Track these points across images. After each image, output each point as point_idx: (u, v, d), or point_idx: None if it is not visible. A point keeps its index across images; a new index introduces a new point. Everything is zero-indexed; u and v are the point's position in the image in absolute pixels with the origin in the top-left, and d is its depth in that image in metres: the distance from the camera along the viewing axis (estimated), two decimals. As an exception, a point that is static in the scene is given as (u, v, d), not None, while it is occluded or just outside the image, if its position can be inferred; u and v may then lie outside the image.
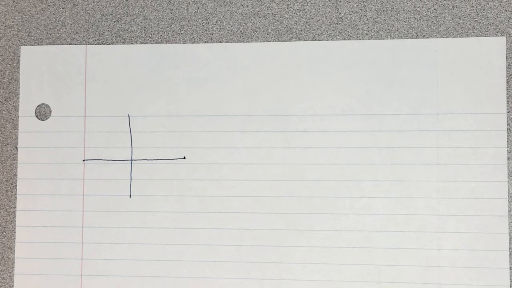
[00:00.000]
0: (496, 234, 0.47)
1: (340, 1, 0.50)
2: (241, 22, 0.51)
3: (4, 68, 0.53)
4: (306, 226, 0.49)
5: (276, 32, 0.51)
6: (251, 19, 0.51)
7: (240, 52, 0.51)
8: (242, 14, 0.51)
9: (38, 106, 0.52)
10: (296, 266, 0.49)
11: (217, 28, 0.51)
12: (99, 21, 0.52)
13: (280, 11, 0.51)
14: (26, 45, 0.53)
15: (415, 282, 0.48)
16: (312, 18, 0.50)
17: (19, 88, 0.52)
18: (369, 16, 0.50)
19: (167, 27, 0.52)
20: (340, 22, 0.50)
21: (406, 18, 0.50)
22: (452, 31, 0.49)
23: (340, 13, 0.50)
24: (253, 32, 0.51)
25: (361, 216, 0.49)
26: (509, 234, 0.47)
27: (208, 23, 0.51)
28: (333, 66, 0.50)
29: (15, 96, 0.52)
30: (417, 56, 0.49)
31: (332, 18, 0.50)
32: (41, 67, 0.52)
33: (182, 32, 0.52)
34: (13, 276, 0.51)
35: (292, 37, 0.50)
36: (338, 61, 0.50)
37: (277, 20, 0.51)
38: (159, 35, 0.52)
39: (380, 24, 0.50)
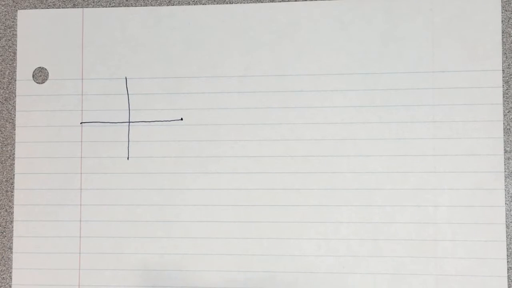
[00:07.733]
0: (492, 190, 0.48)
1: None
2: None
3: (3, 32, 0.53)
4: (303, 185, 0.49)
5: None
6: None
7: (236, 13, 0.51)
8: None
9: (35, 69, 0.52)
10: (293, 225, 0.49)
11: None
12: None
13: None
14: (24, 9, 0.53)
15: (411, 239, 0.48)
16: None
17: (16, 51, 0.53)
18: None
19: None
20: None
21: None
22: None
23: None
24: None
25: (358, 175, 0.49)
26: (505, 190, 0.48)
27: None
28: (329, 26, 0.50)
29: (14, 60, 0.52)
30: (412, 15, 0.49)
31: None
32: (38, 31, 0.52)
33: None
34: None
35: None
36: (334, 21, 0.50)
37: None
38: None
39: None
